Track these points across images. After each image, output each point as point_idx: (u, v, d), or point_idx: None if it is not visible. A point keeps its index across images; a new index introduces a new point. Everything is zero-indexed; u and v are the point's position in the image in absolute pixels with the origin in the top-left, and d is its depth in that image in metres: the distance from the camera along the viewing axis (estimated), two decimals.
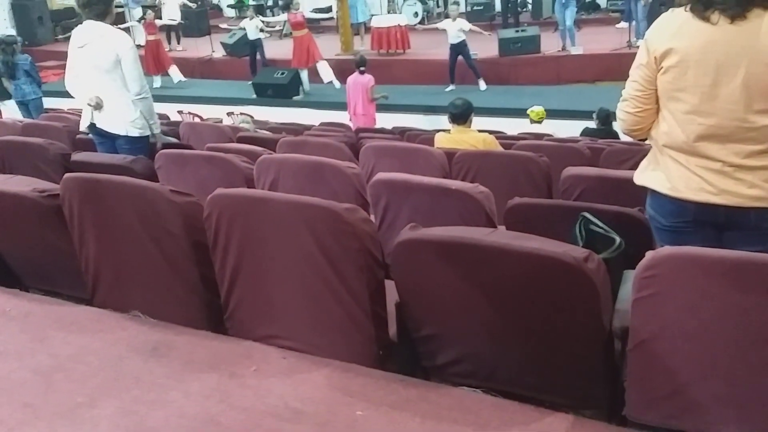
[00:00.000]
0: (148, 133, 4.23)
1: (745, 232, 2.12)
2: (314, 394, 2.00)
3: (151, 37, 12.74)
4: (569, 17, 11.46)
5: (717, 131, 2.09)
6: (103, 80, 4.08)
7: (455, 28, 10.94)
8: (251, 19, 12.51)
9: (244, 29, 12.77)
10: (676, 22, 2.14)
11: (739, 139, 2.07)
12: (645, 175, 2.34)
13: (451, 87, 11.36)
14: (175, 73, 13.05)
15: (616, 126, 7.40)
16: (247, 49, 14.28)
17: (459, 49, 11.11)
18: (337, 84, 11.76)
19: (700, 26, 2.07)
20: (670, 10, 2.20)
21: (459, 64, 11.36)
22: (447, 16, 16.55)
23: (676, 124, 2.18)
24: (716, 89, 2.06)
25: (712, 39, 2.05)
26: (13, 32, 13.21)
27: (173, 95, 12.26)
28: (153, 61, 12.75)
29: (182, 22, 14.66)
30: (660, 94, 2.22)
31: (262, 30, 12.56)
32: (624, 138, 7.11)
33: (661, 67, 2.16)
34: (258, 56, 12.86)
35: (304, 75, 12.14)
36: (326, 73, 11.96)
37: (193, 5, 15.50)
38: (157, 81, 13.03)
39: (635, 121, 2.31)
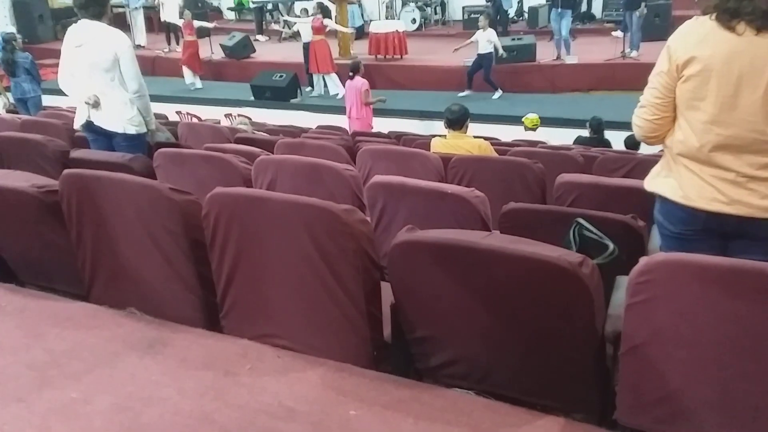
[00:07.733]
0: (144, 130, 4.25)
1: (753, 241, 2.13)
2: (308, 393, 2.01)
3: (190, 38, 12.61)
4: (564, 27, 11.53)
5: (734, 142, 2.08)
6: (100, 79, 4.09)
7: (484, 39, 11.06)
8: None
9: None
10: (700, 30, 2.10)
11: (755, 150, 2.07)
12: (656, 182, 2.31)
13: (467, 92, 11.39)
14: (188, 76, 12.98)
15: (608, 135, 7.55)
16: (246, 51, 14.30)
17: (483, 60, 11.15)
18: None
19: (725, 36, 2.04)
20: (695, 18, 2.16)
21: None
22: (444, 23, 16.85)
23: (692, 133, 2.16)
24: (737, 100, 2.05)
25: (737, 49, 2.03)
26: (13, 30, 13.13)
27: (172, 96, 12.26)
28: (194, 61, 12.70)
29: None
30: (678, 103, 2.19)
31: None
32: (616, 147, 7.20)
33: (682, 76, 2.13)
34: None
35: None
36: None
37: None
38: (199, 83, 13.01)
39: (652, 128, 2.28)
